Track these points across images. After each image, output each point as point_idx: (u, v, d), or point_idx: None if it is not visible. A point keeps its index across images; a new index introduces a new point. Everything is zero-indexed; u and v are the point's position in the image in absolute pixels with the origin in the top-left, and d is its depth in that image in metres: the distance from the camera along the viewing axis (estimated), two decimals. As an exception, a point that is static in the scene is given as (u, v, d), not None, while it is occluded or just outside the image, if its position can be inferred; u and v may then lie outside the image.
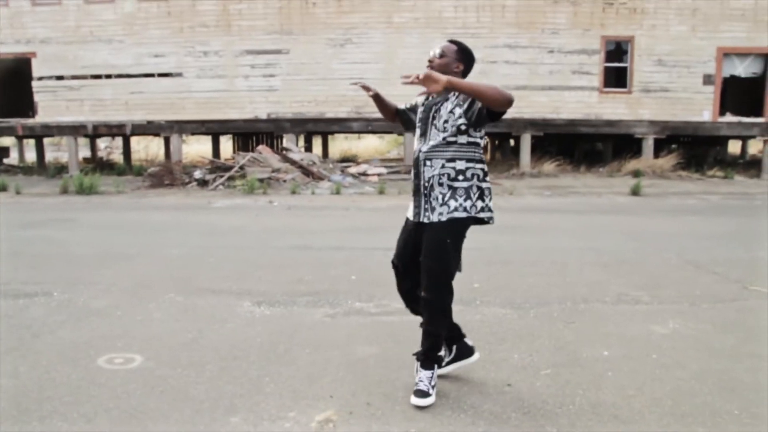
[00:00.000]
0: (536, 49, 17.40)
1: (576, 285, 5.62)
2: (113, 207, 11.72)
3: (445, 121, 3.13)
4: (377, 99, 3.56)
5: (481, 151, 3.22)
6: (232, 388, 3.38)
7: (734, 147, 26.74)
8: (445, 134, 3.13)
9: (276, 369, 3.63)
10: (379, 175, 15.97)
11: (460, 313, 3.65)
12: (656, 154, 18.08)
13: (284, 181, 14.65)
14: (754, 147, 24.97)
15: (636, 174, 16.60)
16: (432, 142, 3.16)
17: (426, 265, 3.16)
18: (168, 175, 15.58)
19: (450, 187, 3.13)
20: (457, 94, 3.12)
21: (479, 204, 3.16)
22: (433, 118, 3.19)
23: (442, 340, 3.31)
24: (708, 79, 17.46)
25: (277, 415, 3.05)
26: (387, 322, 4.51)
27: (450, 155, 3.13)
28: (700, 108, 17.63)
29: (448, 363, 3.47)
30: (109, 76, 18.04)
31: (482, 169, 3.20)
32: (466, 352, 3.50)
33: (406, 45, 17.08)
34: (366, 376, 3.51)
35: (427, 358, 3.24)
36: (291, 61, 17.57)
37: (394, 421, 3.00)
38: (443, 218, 3.12)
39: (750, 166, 20.60)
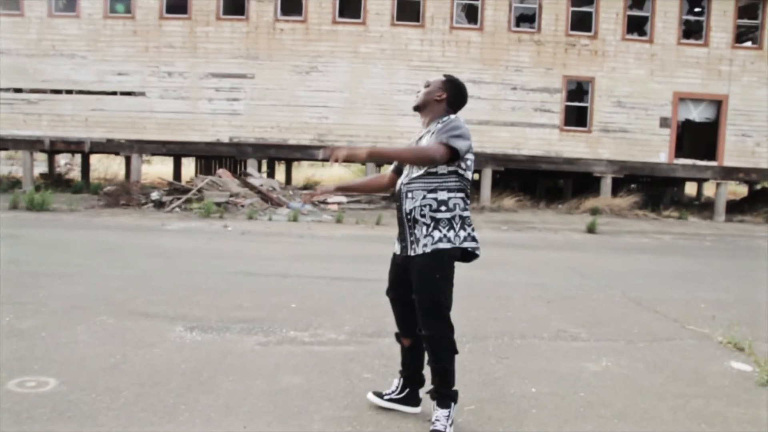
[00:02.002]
0: (499, 86, 17.72)
1: (516, 320, 5.62)
2: (62, 225, 11.44)
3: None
4: (352, 189, 3.82)
5: (466, 181, 3.18)
6: (144, 415, 3.26)
7: (691, 189, 27.45)
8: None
9: (194, 397, 3.52)
10: (339, 203, 15.94)
11: (396, 346, 3.59)
12: (615, 193, 18.44)
13: (242, 206, 14.51)
14: (709, 189, 25.65)
15: (594, 212, 16.88)
16: (413, 174, 3.15)
17: (417, 300, 3.12)
18: (124, 195, 15.33)
19: (432, 218, 3.08)
20: (437, 124, 3.17)
21: (462, 234, 3.12)
22: None
23: (452, 376, 3.17)
24: (664, 122, 17.95)
25: (184, 446, 2.94)
26: (317, 352, 4.43)
27: (432, 186, 3.10)
28: (657, 149, 18.09)
29: (392, 400, 3.40)
30: (69, 92, 17.78)
31: (463, 198, 3.15)
32: (412, 400, 3.40)
33: (372, 75, 17.24)
34: (285, 407, 3.43)
35: (442, 396, 3.13)
36: (256, 86, 17.57)
37: (306, 454, 2.91)
38: (428, 250, 3.07)
39: (704, 207, 21.14)
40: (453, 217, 3.10)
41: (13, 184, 18.76)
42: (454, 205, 3.11)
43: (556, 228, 14.28)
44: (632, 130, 18.03)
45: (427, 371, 3.32)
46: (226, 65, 17.55)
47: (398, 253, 3.27)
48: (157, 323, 5.02)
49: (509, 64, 17.74)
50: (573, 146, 18.09)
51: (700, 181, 24.23)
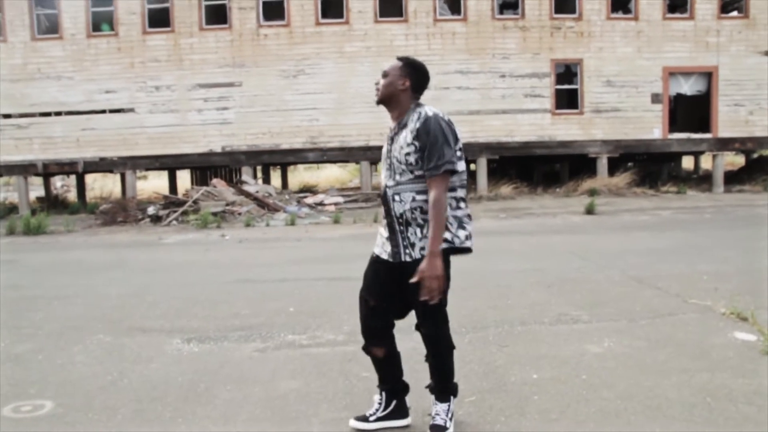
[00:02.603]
0: (488, 74, 17.65)
1: (516, 307, 5.57)
2: (59, 247, 11.40)
3: (407, 154, 2.90)
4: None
5: (460, 175, 2.96)
6: (141, 431, 3.22)
7: (688, 162, 27.35)
8: (411, 167, 2.91)
9: (192, 409, 3.48)
10: (336, 204, 15.89)
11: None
12: (612, 173, 18.38)
13: (239, 214, 14.47)
14: (706, 162, 25.56)
15: (592, 193, 16.82)
16: (399, 179, 2.94)
17: (419, 304, 2.92)
18: (121, 212, 15.28)
19: (425, 220, 2.88)
20: (412, 123, 2.92)
21: (461, 233, 2.93)
22: (392, 150, 2.99)
23: (452, 371, 3.11)
24: (656, 98, 17.88)
25: (181, 460, 2.90)
26: (315, 354, 4.38)
27: (420, 187, 2.90)
28: (651, 126, 18.03)
29: (379, 418, 3.16)
30: (59, 113, 17.74)
31: (454, 197, 2.94)
32: (400, 412, 3.20)
33: (359, 74, 17.18)
34: (283, 412, 3.38)
35: (441, 391, 3.07)
36: (244, 93, 17.52)
37: (304, 459, 2.87)
38: (425, 252, 2.83)
39: (702, 180, 21.06)
40: (446, 218, 2.87)
41: (10, 209, 18.72)
42: (446, 205, 2.87)
43: (554, 212, 14.22)
44: (624, 108, 17.96)
45: (409, 376, 3.26)
46: (213, 75, 17.50)
47: (385, 258, 3.02)
48: (154, 337, 4.98)
49: (496, 52, 17.67)
50: (566, 129, 18.03)
51: (697, 155, 24.15)
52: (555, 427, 3.12)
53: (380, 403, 3.18)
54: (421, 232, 2.91)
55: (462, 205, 2.98)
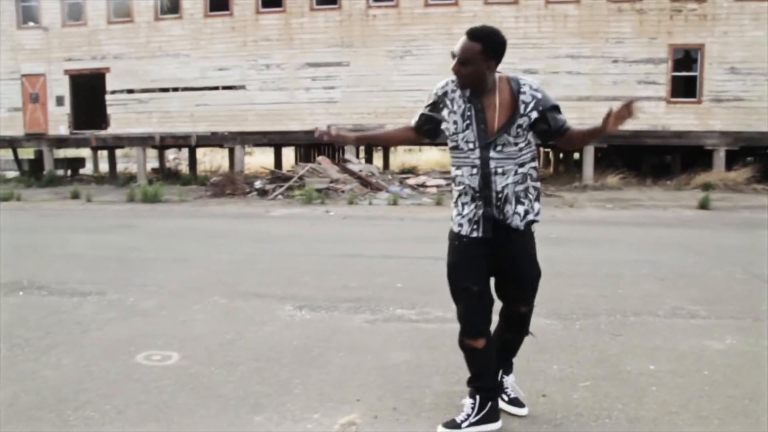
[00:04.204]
0: (600, 59, 16.99)
1: (628, 298, 5.38)
2: (174, 215, 12.07)
3: (519, 126, 2.76)
4: (364, 140, 3.14)
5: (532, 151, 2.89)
6: (260, 388, 3.37)
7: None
8: (516, 138, 2.77)
9: (307, 371, 3.61)
10: (437, 186, 15.86)
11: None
12: (729, 167, 17.27)
13: (342, 191, 14.75)
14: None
15: (706, 187, 15.88)
16: (504, 149, 2.77)
17: (528, 276, 2.88)
18: (230, 185, 15.96)
19: (525, 190, 2.81)
20: (523, 92, 2.78)
21: (536, 206, 2.87)
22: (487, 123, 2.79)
23: None
24: (785, 88, 16.59)
25: (300, 416, 3.02)
26: (425, 329, 4.42)
27: (523, 159, 2.80)
28: (777, 118, 16.77)
29: (472, 423, 2.86)
30: (176, 89, 18.71)
31: (534, 167, 2.88)
32: (495, 415, 2.91)
33: (466, 56, 16.96)
34: (396, 381, 3.44)
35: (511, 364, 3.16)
36: (351, 73, 17.76)
37: (419, 426, 2.92)
38: (529, 219, 2.82)
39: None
40: (529, 189, 2.83)
41: (129, 179, 19.99)
42: (527, 176, 2.83)
43: (664, 205, 13.56)
44: (748, 98, 16.79)
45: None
46: (322, 54, 17.84)
47: (479, 235, 2.81)
48: (267, 303, 5.18)
49: (609, 36, 16.95)
50: (681, 119, 17.10)
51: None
52: (675, 420, 3.00)
53: (473, 407, 2.88)
54: (524, 202, 2.81)
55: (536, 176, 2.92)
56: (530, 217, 2.84)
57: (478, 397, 2.88)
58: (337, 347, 4.03)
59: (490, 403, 2.88)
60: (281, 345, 4.09)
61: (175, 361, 3.79)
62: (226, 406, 3.13)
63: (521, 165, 2.80)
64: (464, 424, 2.85)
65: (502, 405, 3.02)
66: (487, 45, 2.71)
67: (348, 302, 5.17)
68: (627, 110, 2.54)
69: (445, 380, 3.43)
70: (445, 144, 2.91)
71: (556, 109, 2.79)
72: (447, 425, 2.87)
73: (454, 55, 2.77)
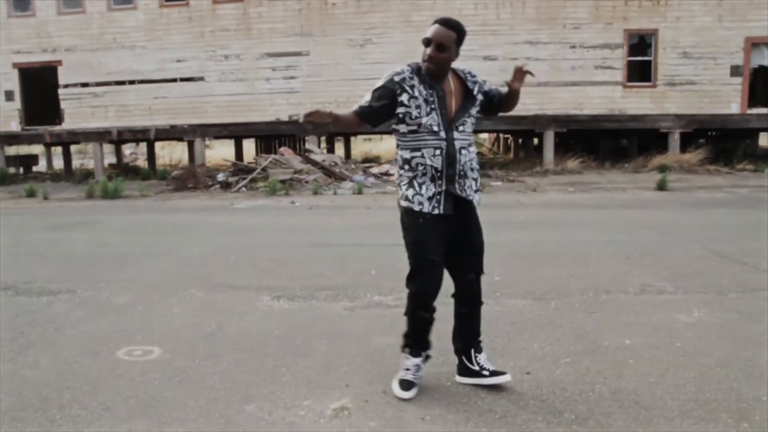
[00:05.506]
0: (558, 45, 17.23)
1: (598, 276, 5.53)
2: (137, 210, 11.86)
3: (477, 109, 3.18)
4: (335, 118, 3.10)
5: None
6: (248, 378, 3.38)
7: (765, 140, 26.16)
8: (470, 119, 3.14)
9: (293, 359, 3.62)
10: (400, 174, 15.91)
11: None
12: (684, 149, 17.76)
13: (306, 182, 14.69)
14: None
15: (662, 169, 16.31)
16: (466, 130, 3.11)
17: (481, 245, 3.20)
18: (191, 179, 15.72)
19: (474, 166, 3.15)
20: (469, 81, 3.15)
21: (479, 179, 3.28)
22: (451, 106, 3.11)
23: None
24: (736, 71, 17.11)
25: (292, 404, 3.04)
26: (405, 313, 4.47)
27: (472, 138, 3.20)
28: (728, 100, 17.29)
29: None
30: (132, 82, 18.29)
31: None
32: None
33: (426, 44, 17.00)
34: (382, 365, 3.49)
35: (480, 341, 3.31)
36: (311, 62, 17.64)
37: (409, 408, 2.97)
38: (479, 191, 3.20)
39: (781, 159, 20.13)
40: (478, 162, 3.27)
41: (86, 175, 19.49)
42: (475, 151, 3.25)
43: (624, 187, 13.90)
44: (700, 81, 17.26)
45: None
46: (281, 44, 17.67)
47: (442, 212, 3.04)
48: (244, 294, 5.16)
49: (567, 22, 17.21)
50: (637, 102, 17.48)
51: (776, 131, 23.05)
52: (655, 390, 3.12)
53: (418, 365, 3.17)
54: (476, 183, 3.17)
55: None
56: (477, 187, 3.18)
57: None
58: (320, 335, 4.05)
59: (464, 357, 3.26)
60: (263, 335, 4.09)
61: (158, 356, 3.76)
62: (215, 398, 3.13)
63: (472, 143, 3.16)
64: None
65: (487, 381, 3.16)
66: (459, 35, 3.02)
67: (325, 290, 5.18)
68: (521, 71, 3.06)
69: (430, 362, 3.48)
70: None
71: (487, 86, 3.24)
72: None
73: (428, 42, 2.98)
